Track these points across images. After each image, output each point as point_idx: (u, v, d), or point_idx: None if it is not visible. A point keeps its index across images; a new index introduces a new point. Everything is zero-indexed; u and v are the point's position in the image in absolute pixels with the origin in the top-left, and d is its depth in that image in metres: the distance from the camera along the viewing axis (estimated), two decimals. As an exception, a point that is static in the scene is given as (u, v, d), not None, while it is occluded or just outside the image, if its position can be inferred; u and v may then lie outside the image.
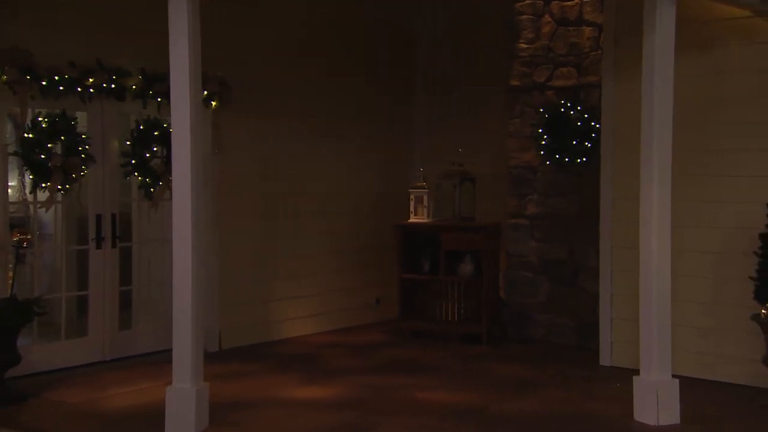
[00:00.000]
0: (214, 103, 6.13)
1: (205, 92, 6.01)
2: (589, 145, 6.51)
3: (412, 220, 7.14)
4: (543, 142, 6.71)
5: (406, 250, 7.12)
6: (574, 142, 6.56)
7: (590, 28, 6.63)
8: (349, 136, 7.50)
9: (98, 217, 5.92)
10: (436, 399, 5.21)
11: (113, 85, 5.71)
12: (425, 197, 7.09)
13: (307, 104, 7.10)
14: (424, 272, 7.13)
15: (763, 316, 4.99)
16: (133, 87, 5.78)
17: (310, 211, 7.17)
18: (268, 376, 5.71)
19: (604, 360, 6.05)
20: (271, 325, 6.84)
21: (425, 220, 7.10)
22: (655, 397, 4.57)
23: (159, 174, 5.89)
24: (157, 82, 5.67)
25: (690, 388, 5.16)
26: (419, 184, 7.16)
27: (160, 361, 5.58)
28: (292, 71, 6.96)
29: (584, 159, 6.57)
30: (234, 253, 6.54)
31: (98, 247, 5.92)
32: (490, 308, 6.83)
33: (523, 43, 6.96)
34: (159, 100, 5.79)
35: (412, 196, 7.14)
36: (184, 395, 4.40)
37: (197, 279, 4.45)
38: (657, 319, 4.64)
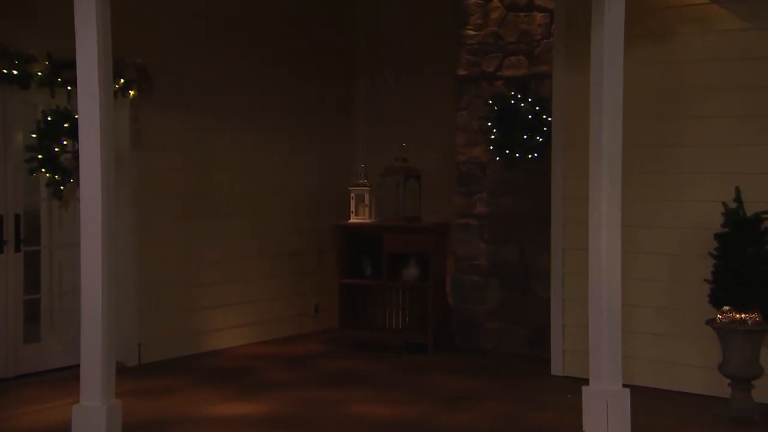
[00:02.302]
0: (132, 93, 6.04)
1: (122, 80, 5.94)
2: (540, 139, 6.61)
3: (353, 220, 7.15)
4: (492, 137, 6.80)
5: (346, 253, 7.14)
6: (525, 137, 6.65)
7: (542, 14, 6.73)
8: (285, 129, 7.47)
9: None
10: (374, 413, 5.23)
11: (15, 72, 5.58)
12: (367, 196, 7.11)
13: (238, 94, 7.05)
14: (366, 277, 7.15)
15: (718, 321, 5.14)
16: (39, 74, 5.67)
17: (241, 211, 7.13)
18: (191, 392, 5.66)
19: (556, 369, 6.15)
20: (198, 336, 6.78)
21: (367, 221, 7.12)
22: (605, 407, 4.65)
23: (69, 170, 5.78)
24: (66, 69, 5.55)
25: (644, 398, 5.29)
26: (360, 181, 7.17)
27: (73, 377, 5.46)
28: (222, 58, 6.90)
29: (535, 154, 6.66)
30: (156, 257, 6.47)
31: None
32: (436, 315, 6.89)
33: (470, 29, 7.03)
34: (69, 88, 5.68)
35: (352, 195, 7.15)
36: (92, 414, 4.32)
37: (108, 285, 4.37)
38: (607, 326, 4.71)
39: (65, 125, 5.77)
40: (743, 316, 5.04)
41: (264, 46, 7.27)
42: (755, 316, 5.03)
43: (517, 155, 6.73)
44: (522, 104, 6.68)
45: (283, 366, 6.46)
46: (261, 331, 7.26)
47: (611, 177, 4.68)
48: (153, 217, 6.45)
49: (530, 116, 6.65)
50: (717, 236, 5.21)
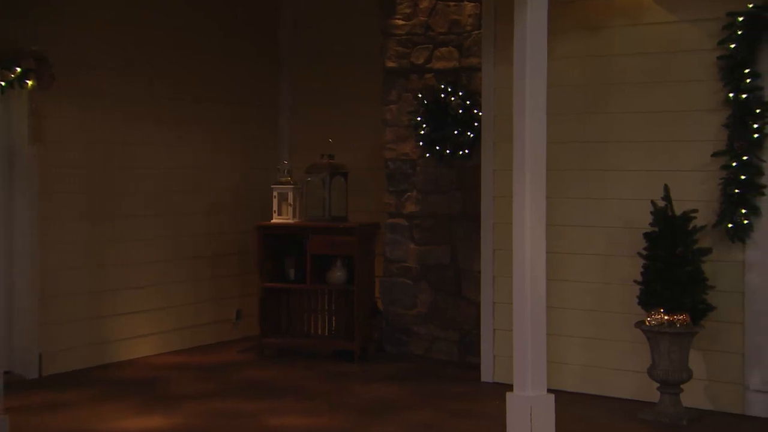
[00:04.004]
0: (30, 83, 5.94)
1: (18, 69, 5.84)
2: (471, 135, 6.70)
3: (276, 220, 7.13)
4: (422, 132, 6.86)
5: (268, 255, 7.12)
6: (456, 132, 6.73)
7: (472, 3, 6.81)
8: (202, 123, 7.42)
9: None
10: (291, 425, 5.25)
11: None
12: (291, 194, 7.10)
13: (150, 85, 6.98)
14: (290, 280, 7.15)
15: (647, 323, 5.28)
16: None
17: (154, 210, 7.05)
18: (95, 405, 5.59)
19: (486, 375, 6.24)
20: (107, 345, 6.70)
21: (290, 221, 7.11)
22: (529, 414, 4.74)
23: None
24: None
25: (572, 403, 5.42)
26: (284, 179, 7.16)
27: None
28: (132, 46, 6.83)
29: (466, 151, 6.75)
30: (59, 261, 6.36)
31: None
32: (363, 321, 6.92)
33: (398, 19, 7.08)
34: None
35: (275, 194, 7.13)
36: (-23, 431, 4.24)
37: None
38: (531, 330, 4.79)
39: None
40: (672, 317, 5.18)
41: (179, 33, 7.20)
42: (684, 317, 5.18)
43: (448, 151, 6.80)
44: (452, 98, 6.76)
45: (198, 376, 6.42)
46: (177, 340, 7.19)
47: (535, 174, 4.76)
48: (55, 217, 6.35)
49: (461, 111, 6.72)
50: (646, 236, 5.35)
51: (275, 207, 7.13)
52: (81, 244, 6.54)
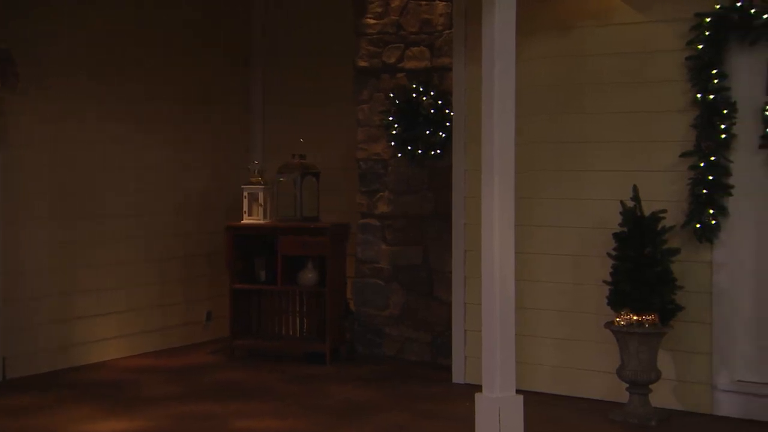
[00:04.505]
0: (-8, 82, 5.92)
1: (-19, 68, 5.82)
2: (443, 135, 6.74)
3: (246, 221, 7.15)
4: (393, 132, 6.90)
5: (238, 256, 7.13)
6: (427, 132, 6.78)
7: (444, 2, 6.86)
8: (172, 122, 7.41)
9: None
10: (261, 427, 5.26)
11: None
12: (261, 194, 7.11)
13: (119, 83, 6.96)
14: (261, 281, 7.16)
15: (616, 323, 5.34)
16: None
17: (122, 211, 7.04)
18: (60, 409, 5.58)
19: (458, 377, 6.29)
20: (73, 348, 6.67)
21: (261, 221, 7.12)
22: (497, 415, 4.79)
23: None
24: None
25: (542, 404, 5.48)
26: (254, 179, 7.17)
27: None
28: (100, 44, 6.81)
29: (438, 151, 6.79)
30: (24, 264, 6.33)
31: None
32: (335, 322, 6.95)
33: (370, 18, 7.11)
34: None
35: (245, 194, 7.14)
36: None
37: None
38: (500, 330, 4.84)
39: None
40: (641, 318, 5.25)
41: (149, 31, 7.19)
42: (652, 318, 5.25)
43: (420, 151, 6.84)
44: (424, 98, 6.80)
45: (168, 379, 6.42)
46: (146, 342, 7.18)
47: (503, 175, 4.81)
48: (20, 219, 6.31)
49: (432, 111, 6.77)
50: (615, 236, 5.42)
51: (245, 207, 7.14)
52: (47, 245, 6.51)
